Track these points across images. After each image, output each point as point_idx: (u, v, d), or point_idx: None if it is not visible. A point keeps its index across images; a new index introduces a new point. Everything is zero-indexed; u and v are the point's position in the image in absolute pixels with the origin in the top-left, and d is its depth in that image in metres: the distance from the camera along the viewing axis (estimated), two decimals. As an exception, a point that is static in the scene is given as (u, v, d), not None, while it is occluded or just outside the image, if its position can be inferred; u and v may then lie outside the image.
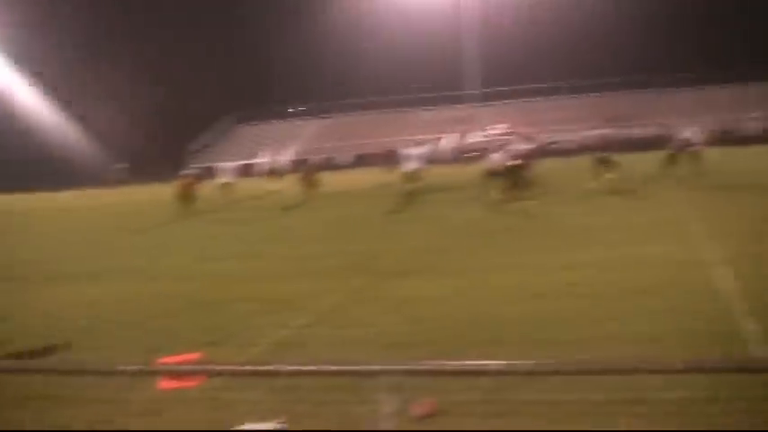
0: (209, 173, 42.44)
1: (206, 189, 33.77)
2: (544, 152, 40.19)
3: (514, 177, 27.07)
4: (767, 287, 10.99)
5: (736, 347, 8.28)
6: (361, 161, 63.26)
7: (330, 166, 56.42)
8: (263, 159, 55.58)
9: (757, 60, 67.89)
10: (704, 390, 6.06)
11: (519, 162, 27.34)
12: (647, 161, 32.73)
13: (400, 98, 75.64)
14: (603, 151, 30.06)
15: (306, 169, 34.91)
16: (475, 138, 65.11)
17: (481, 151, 34.82)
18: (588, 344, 8.87)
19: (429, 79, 74.65)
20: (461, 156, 49.74)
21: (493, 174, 27.78)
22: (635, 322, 9.70)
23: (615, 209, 22.76)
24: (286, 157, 54.20)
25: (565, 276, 12.87)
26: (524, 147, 29.50)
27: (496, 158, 28.00)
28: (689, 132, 31.50)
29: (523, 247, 16.74)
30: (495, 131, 66.80)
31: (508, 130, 63.36)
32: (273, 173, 41.38)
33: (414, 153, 30.65)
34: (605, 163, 29.46)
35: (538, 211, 23.16)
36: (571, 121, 66.07)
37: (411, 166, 29.64)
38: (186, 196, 31.25)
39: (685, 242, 15.60)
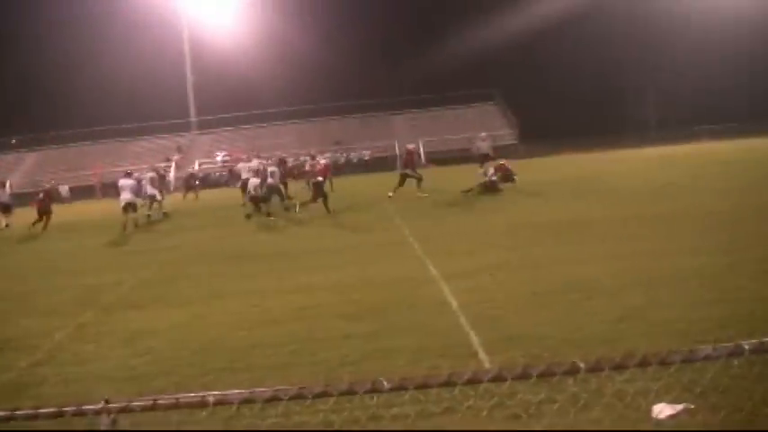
0: None
1: None
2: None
3: (317, 195, 28.50)
4: (481, 300, 11.68)
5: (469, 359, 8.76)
6: (82, 193, 61.37)
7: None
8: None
9: (475, 84, 72.50)
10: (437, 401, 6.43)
11: (319, 180, 28.29)
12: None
13: (119, 128, 74.26)
14: (405, 168, 31.94)
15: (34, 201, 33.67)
16: (198, 165, 64.95)
17: (204, 179, 35.33)
18: (322, 365, 9.03)
19: (147, 109, 73.78)
20: (188, 183, 49.24)
21: (255, 199, 28.54)
22: (368, 341, 9.93)
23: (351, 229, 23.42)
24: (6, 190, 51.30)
25: (297, 299, 13.01)
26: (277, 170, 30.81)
27: (255, 183, 28.85)
28: (485, 147, 33.99)
29: (260, 272, 16.77)
30: (219, 158, 67.03)
31: (232, 156, 63.91)
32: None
33: (130, 183, 29.85)
34: (410, 179, 31.33)
35: (284, 233, 23.53)
36: (294, 145, 67.38)
37: (127, 196, 29.02)
38: None
39: (424, 259, 16.30)
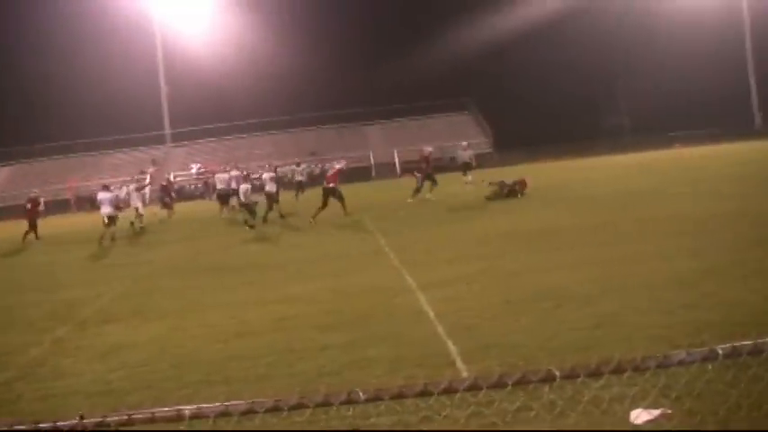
0: None
1: None
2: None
3: (326, 200, 28.85)
4: (457, 309, 11.71)
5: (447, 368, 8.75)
6: (57, 207, 60.91)
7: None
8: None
9: (449, 93, 72.82)
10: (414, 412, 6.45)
11: (330, 185, 28.45)
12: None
13: (93, 141, 73.77)
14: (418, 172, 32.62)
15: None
16: (173, 177, 64.77)
17: (180, 192, 35.47)
18: (299, 377, 9.01)
19: (121, 121, 73.38)
20: (168, 195, 49.11)
21: (245, 206, 28.70)
22: (345, 352, 9.91)
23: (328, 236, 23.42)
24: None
25: (274, 311, 12.99)
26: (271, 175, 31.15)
27: (245, 189, 29.03)
28: (466, 156, 35.23)
29: (237, 283, 16.70)
30: (194, 170, 66.79)
31: (207, 168, 63.71)
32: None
33: (109, 196, 29.72)
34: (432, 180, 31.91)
35: (260, 245, 23.64)
36: (272, 156, 67.27)
37: (107, 210, 28.91)
38: None
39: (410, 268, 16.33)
